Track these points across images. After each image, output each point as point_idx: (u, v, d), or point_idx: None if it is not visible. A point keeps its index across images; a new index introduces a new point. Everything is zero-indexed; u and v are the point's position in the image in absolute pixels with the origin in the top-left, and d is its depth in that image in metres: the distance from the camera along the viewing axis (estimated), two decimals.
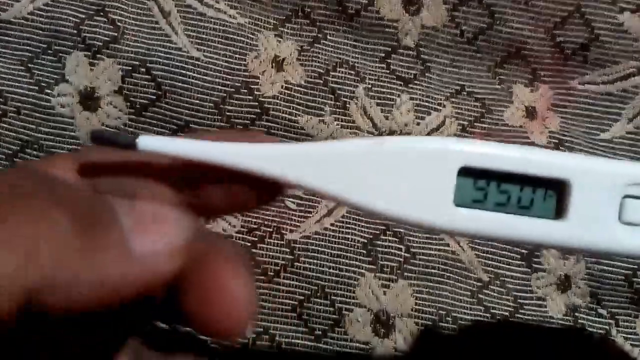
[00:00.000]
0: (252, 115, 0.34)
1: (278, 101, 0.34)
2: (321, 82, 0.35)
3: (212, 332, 0.16)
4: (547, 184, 0.18)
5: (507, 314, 0.33)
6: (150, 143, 0.17)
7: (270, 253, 0.33)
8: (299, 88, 0.34)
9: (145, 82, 0.34)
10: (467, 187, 0.18)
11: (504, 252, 0.34)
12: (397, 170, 0.17)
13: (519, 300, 0.33)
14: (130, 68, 0.34)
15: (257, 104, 0.34)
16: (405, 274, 0.33)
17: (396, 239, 0.33)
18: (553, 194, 0.18)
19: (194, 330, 0.16)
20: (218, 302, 0.16)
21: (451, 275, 0.33)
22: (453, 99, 0.35)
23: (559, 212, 0.18)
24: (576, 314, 0.33)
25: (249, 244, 0.33)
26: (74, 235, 0.14)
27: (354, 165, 0.17)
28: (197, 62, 0.34)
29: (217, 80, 0.34)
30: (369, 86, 0.35)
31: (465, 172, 0.18)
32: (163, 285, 0.16)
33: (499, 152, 0.18)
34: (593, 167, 0.18)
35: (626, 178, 0.18)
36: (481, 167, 0.18)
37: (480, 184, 0.18)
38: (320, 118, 0.34)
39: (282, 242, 0.33)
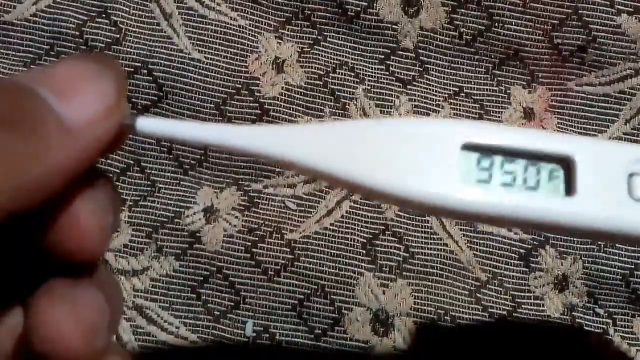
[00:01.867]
0: (252, 116, 0.34)
1: (278, 102, 0.34)
2: (321, 83, 0.35)
3: (65, 257, 0.16)
4: (551, 160, 0.18)
5: (504, 313, 0.33)
6: (148, 124, 0.17)
7: (271, 252, 0.33)
8: (299, 89, 0.35)
9: (147, 84, 0.34)
10: (471, 165, 0.17)
11: (502, 252, 0.34)
12: (399, 149, 0.17)
13: (516, 300, 0.34)
14: (132, 69, 0.34)
15: (257, 104, 0.34)
16: (404, 273, 0.33)
17: (395, 239, 0.34)
18: (559, 172, 0.18)
19: (48, 251, 0.16)
20: (71, 233, 0.16)
21: (449, 274, 0.33)
22: (451, 101, 0.35)
23: (568, 189, 0.17)
24: (573, 313, 0.34)
25: (250, 244, 0.33)
26: None
27: (356, 144, 0.17)
28: (198, 64, 0.34)
29: (218, 81, 0.34)
30: (368, 87, 0.35)
31: (469, 148, 0.17)
32: (99, 154, 0.16)
33: (502, 129, 0.18)
34: (595, 144, 0.18)
35: (630, 155, 0.18)
36: (484, 144, 0.17)
37: (485, 163, 0.18)
38: (320, 119, 0.35)
39: (282, 242, 0.33)
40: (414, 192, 0.17)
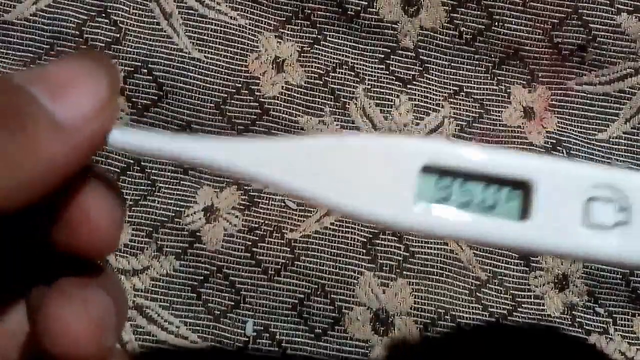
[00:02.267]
0: (252, 116, 0.34)
1: (278, 102, 0.34)
2: (321, 82, 0.35)
3: (76, 253, 0.16)
4: (511, 184, 0.18)
5: (505, 312, 0.33)
6: (120, 138, 0.17)
7: (271, 252, 0.33)
8: (299, 89, 0.35)
9: (147, 83, 0.34)
10: (429, 185, 0.18)
11: (502, 251, 0.34)
12: (358, 166, 0.17)
13: (516, 299, 0.34)
14: (132, 69, 0.34)
15: (257, 104, 0.34)
16: (404, 272, 0.33)
17: (395, 238, 0.34)
18: (517, 195, 0.18)
19: (59, 249, 0.16)
20: (83, 228, 0.16)
21: (450, 274, 0.33)
22: (451, 100, 0.35)
23: (524, 213, 0.17)
24: (574, 312, 0.34)
25: (250, 243, 0.33)
26: None
27: (317, 160, 0.17)
28: (198, 63, 0.34)
29: (218, 80, 0.34)
30: (369, 87, 0.35)
31: (428, 170, 0.17)
32: (94, 150, 0.16)
33: (462, 151, 0.18)
34: (557, 167, 0.18)
35: (591, 179, 0.17)
36: (444, 166, 0.17)
37: (444, 183, 0.18)
38: (320, 118, 0.35)
39: (282, 241, 0.33)
40: (372, 210, 0.17)
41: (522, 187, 0.17)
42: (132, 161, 0.34)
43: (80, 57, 0.16)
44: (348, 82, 0.35)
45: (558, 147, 0.35)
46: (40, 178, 0.14)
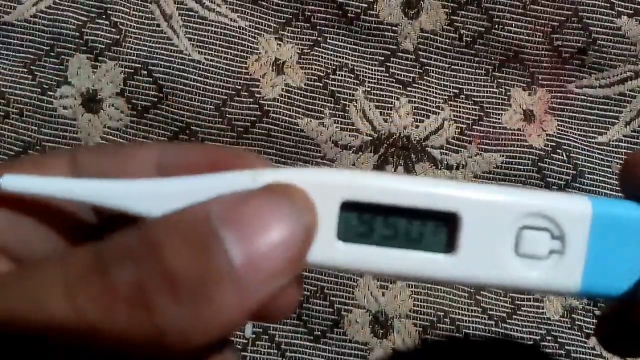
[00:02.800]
0: (252, 118, 0.34)
1: (278, 104, 0.34)
2: (321, 85, 0.35)
3: (262, 321, 0.17)
4: (436, 217, 0.17)
5: (504, 315, 0.33)
6: (13, 182, 0.16)
7: None
8: (299, 91, 0.35)
9: (147, 85, 0.34)
10: (350, 221, 0.17)
11: None
12: None
13: (516, 302, 0.34)
14: (132, 70, 0.34)
15: (257, 106, 0.34)
16: None
17: None
18: (443, 227, 0.17)
19: None
20: (278, 304, 0.16)
21: None
22: (451, 102, 0.35)
23: (450, 245, 0.17)
24: (573, 315, 0.34)
25: None
26: None
27: None
28: (198, 65, 0.34)
29: (218, 82, 0.34)
30: (368, 89, 0.35)
31: (348, 206, 0.17)
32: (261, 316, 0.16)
33: (383, 184, 0.17)
34: (484, 198, 0.17)
35: (522, 208, 0.17)
36: (365, 201, 0.17)
37: (365, 218, 0.17)
38: (320, 120, 0.35)
39: None
40: None
41: (448, 220, 0.17)
42: None
43: (277, 194, 0.15)
44: (348, 85, 0.35)
45: (558, 150, 0.35)
46: (215, 339, 0.14)
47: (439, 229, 0.17)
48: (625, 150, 0.36)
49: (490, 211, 0.17)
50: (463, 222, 0.17)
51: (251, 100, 0.34)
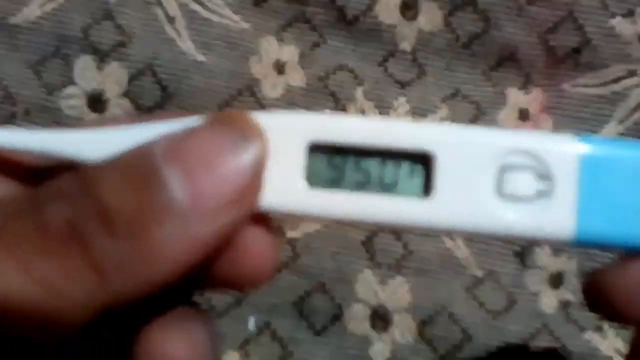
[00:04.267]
0: None
1: (280, 103, 0.35)
2: (321, 85, 0.35)
3: (235, 287, 0.16)
4: (410, 157, 0.16)
5: (500, 308, 0.34)
6: None
7: None
8: (300, 91, 0.35)
9: (152, 85, 0.35)
10: (320, 165, 0.16)
11: (498, 249, 0.35)
12: None
13: (512, 296, 0.34)
14: (137, 71, 0.35)
15: (259, 105, 0.35)
16: (403, 270, 0.34)
17: (394, 237, 0.34)
18: (419, 170, 0.16)
19: (210, 286, 0.16)
20: (247, 262, 0.15)
21: (447, 271, 0.34)
22: (448, 102, 0.36)
23: (426, 189, 0.16)
24: (568, 310, 0.34)
25: None
26: None
27: None
28: (201, 66, 0.35)
29: (221, 83, 0.35)
30: (368, 89, 0.36)
31: (317, 148, 0.16)
32: (218, 251, 0.15)
33: (353, 124, 0.16)
34: (461, 135, 0.16)
35: (502, 145, 0.16)
36: (334, 142, 0.16)
37: (335, 161, 0.16)
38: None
39: (283, 240, 0.34)
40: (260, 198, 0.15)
41: (423, 161, 0.16)
42: None
43: (222, 126, 0.15)
44: (347, 85, 0.35)
45: None
46: (161, 279, 0.14)
47: (414, 171, 0.16)
48: None
49: (468, 149, 0.16)
50: (439, 162, 0.16)
51: (253, 100, 0.35)
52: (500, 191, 0.16)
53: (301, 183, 0.16)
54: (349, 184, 0.16)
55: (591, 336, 0.34)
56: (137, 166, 0.14)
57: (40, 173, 0.17)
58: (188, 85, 0.34)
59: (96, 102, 0.35)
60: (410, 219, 0.16)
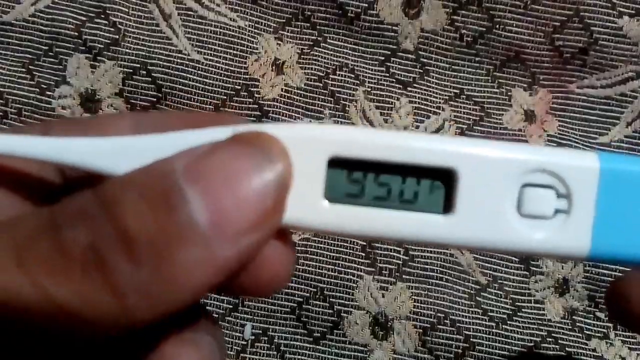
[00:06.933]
0: (252, 118, 0.34)
1: (278, 104, 0.34)
2: (321, 85, 0.35)
3: (250, 295, 0.16)
4: (431, 174, 0.16)
5: (505, 316, 0.33)
6: None
7: None
8: (298, 91, 0.35)
9: (146, 85, 0.34)
10: (339, 180, 0.16)
11: (502, 255, 0.34)
12: None
13: (517, 303, 0.33)
14: (131, 70, 0.34)
15: (257, 106, 0.34)
16: (404, 276, 0.33)
17: (395, 242, 0.33)
18: (440, 186, 0.16)
19: (223, 292, 0.16)
20: (264, 273, 0.15)
21: (449, 278, 0.33)
22: (452, 102, 0.35)
23: (447, 205, 0.16)
24: (574, 317, 0.34)
25: None
26: None
27: None
28: (197, 65, 0.34)
29: (217, 82, 0.34)
30: (369, 89, 0.35)
31: (337, 162, 0.15)
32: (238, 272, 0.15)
33: (375, 139, 0.15)
34: (484, 153, 0.16)
35: (526, 164, 0.16)
36: (354, 157, 0.15)
37: (355, 176, 0.16)
38: (320, 121, 0.34)
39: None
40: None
41: (445, 177, 0.16)
42: None
43: (245, 145, 0.14)
44: (348, 85, 0.35)
45: None
46: (182, 303, 0.13)
47: (435, 187, 0.16)
48: (626, 151, 0.36)
49: (490, 167, 0.16)
50: (461, 179, 0.15)
51: (250, 100, 0.34)
52: (521, 209, 0.16)
53: (320, 198, 0.16)
54: (368, 199, 0.16)
55: (597, 344, 0.33)
56: (158, 186, 0.13)
57: (49, 184, 0.17)
58: (183, 84, 0.34)
59: (89, 102, 0.34)
60: (430, 236, 0.16)
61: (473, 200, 0.16)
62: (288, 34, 0.35)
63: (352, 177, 0.16)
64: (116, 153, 0.15)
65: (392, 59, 0.36)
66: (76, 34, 0.34)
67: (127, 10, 0.34)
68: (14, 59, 0.34)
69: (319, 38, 0.35)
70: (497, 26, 0.35)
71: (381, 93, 0.35)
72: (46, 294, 0.13)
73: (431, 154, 0.15)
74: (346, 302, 0.33)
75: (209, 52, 0.34)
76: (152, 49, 0.34)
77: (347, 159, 0.15)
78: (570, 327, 0.33)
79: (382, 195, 0.16)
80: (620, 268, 0.34)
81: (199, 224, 0.13)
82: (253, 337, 0.32)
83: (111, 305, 0.13)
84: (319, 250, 0.33)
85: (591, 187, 0.16)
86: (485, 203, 0.16)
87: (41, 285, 0.13)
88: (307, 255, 0.33)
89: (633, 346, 0.33)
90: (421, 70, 0.36)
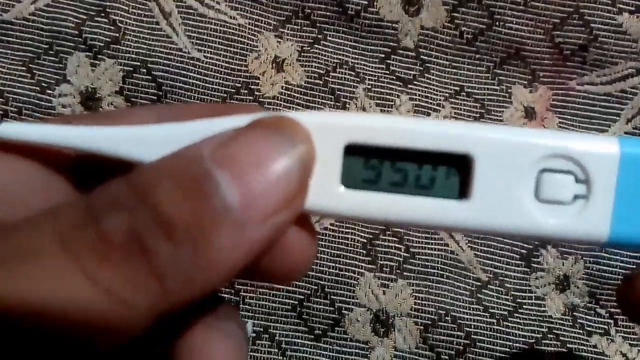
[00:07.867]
0: None
1: (278, 102, 0.34)
2: (321, 82, 0.35)
3: (272, 281, 0.16)
4: (447, 159, 0.16)
5: (505, 313, 0.33)
6: (13, 130, 0.16)
7: None
8: (299, 88, 0.35)
9: (146, 83, 0.34)
10: (356, 166, 0.16)
11: (503, 252, 0.34)
12: None
13: (517, 300, 0.33)
14: (131, 69, 0.34)
15: (257, 104, 0.34)
16: (405, 273, 0.33)
17: (395, 239, 0.33)
18: (456, 171, 0.16)
19: (246, 278, 0.16)
20: (287, 258, 0.16)
21: (450, 274, 0.33)
22: (452, 100, 0.35)
23: (464, 191, 0.16)
24: (575, 313, 0.34)
25: None
26: None
27: None
28: (197, 63, 0.34)
29: (217, 80, 0.34)
30: (369, 87, 0.35)
31: (353, 149, 0.16)
32: (262, 254, 0.16)
33: (390, 125, 0.16)
34: (501, 138, 0.16)
35: (543, 149, 0.15)
36: (370, 144, 0.16)
37: (372, 162, 0.16)
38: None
39: None
40: None
41: (461, 163, 0.16)
42: None
43: (270, 128, 0.15)
44: (348, 82, 0.35)
45: None
46: (217, 283, 0.14)
47: (452, 173, 0.16)
48: None
49: (507, 152, 0.15)
50: (477, 164, 0.15)
51: (251, 98, 0.34)
52: (539, 195, 0.16)
53: (337, 184, 0.16)
54: (384, 184, 0.16)
55: (598, 341, 0.33)
56: (188, 172, 0.14)
57: (84, 166, 0.18)
58: (184, 82, 0.34)
59: (90, 100, 0.34)
60: (446, 221, 0.16)
61: (489, 186, 0.16)
62: (288, 31, 0.35)
63: (368, 163, 0.16)
64: (143, 141, 0.16)
65: (392, 56, 0.35)
66: (76, 32, 0.34)
67: (127, 8, 0.34)
68: (14, 57, 0.34)
69: (319, 36, 0.35)
70: (497, 23, 0.35)
71: (381, 90, 0.35)
72: (93, 280, 0.13)
73: (447, 139, 0.16)
74: (347, 300, 0.33)
75: (209, 50, 0.34)
76: (152, 47, 0.34)
77: (363, 146, 0.16)
78: (571, 323, 0.33)
79: (398, 181, 0.16)
80: (621, 265, 0.34)
81: (232, 207, 0.13)
82: (254, 335, 0.32)
83: (154, 288, 0.13)
84: (320, 248, 0.33)
85: (611, 172, 0.15)
86: (502, 189, 0.16)
87: (89, 271, 0.13)
88: None
89: (634, 342, 0.33)
90: (421, 68, 0.36)
